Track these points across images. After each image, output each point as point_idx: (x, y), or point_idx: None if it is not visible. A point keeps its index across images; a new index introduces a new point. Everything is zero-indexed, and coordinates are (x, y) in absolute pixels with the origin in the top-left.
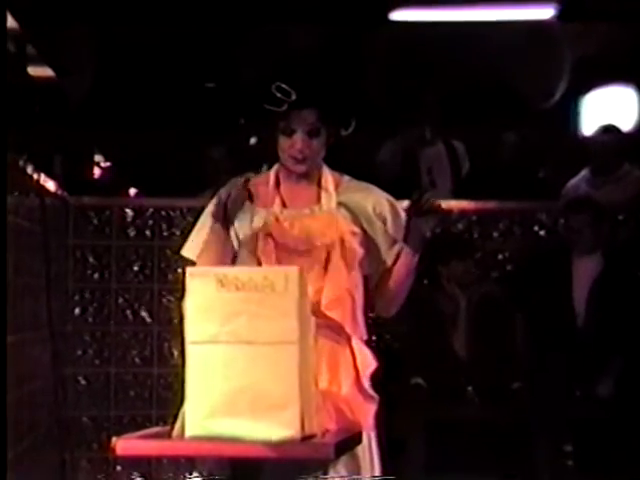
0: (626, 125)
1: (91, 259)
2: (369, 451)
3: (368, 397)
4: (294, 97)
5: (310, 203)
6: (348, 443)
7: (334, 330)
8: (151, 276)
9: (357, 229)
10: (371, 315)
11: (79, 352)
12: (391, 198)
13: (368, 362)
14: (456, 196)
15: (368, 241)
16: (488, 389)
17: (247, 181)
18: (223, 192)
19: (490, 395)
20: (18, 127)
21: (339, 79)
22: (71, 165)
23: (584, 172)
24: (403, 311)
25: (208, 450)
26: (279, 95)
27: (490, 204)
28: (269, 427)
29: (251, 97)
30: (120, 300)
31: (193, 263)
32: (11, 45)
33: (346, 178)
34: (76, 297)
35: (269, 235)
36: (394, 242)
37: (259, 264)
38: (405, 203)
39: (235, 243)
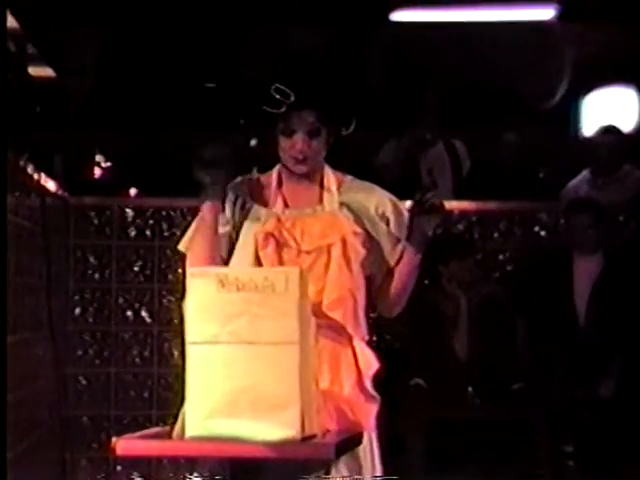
0: (626, 126)
1: (92, 259)
2: (370, 451)
3: (370, 398)
4: (293, 98)
5: (312, 203)
6: (349, 443)
7: (336, 330)
8: (151, 276)
9: (359, 229)
10: (372, 315)
11: (79, 352)
12: (394, 198)
13: (370, 363)
14: (457, 196)
15: (370, 241)
16: (488, 389)
17: (249, 181)
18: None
19: (490, 395)
20: (19, 127)
21: (339, 79)
22: (72, 165)
23: (584, 173)
24: (404, 311)
25: (208, 450)
26: (278, 96)
27: (491, 204)
28: (269, 427)
29: (251, 98)
30: (120, 300)
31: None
32: (12, 45)
33: (348, 178)
34: (76, 297)
35: (270, 235)
36: (397, 242)
37: (260, 264)
38: (407, 203)
39: (236, 243)
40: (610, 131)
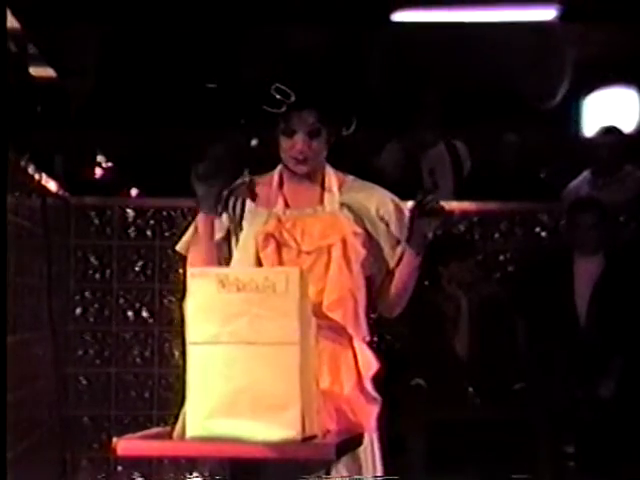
0: (627, 126)
1: (92, 259)
2: (371, 452)
3: (370, 398)
4: (293, 98)
5: (313, 203)
6: (349, 444)
7: (336, 331)
8: (152, 276)
9: (360, 230)
10: (373, 316)
11: (80, 352)
12: (396, 198)
13: (370, 363)
14: (458, 197)
15: (371, 242)
16: (489, 390)
17: (250, 182)
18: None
19: (491, 396)
20: (20, 127)
21: (339, 80)
22: (72, 165)
23: (585, 173)
24: (404, 312)
25: (209, 451)
26: (278, 96)
27: (491, 205)
28: (270, 428)
29: (251, 98)
30: (121, 300)
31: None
32: (13, 45)
33: (350, 178)
34: (77, 297)
35: (271, 236)
36: (397, 243)
37: (260, 265)
38: (409, 204)
39: (236, 244)
40: (611, 131)
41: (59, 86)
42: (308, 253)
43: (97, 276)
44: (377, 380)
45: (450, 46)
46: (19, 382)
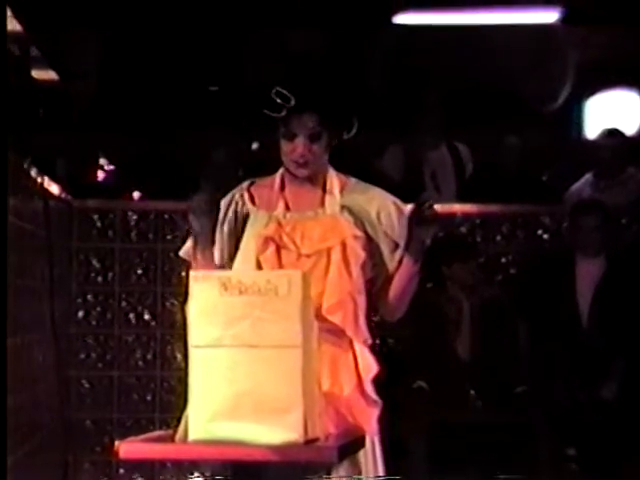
0: (630, 129)
1: (94, 262)
2: (372, 455)
3: (371, 401)
4: (293, 102)
5: (314, 206)
6: (351, 447)
7: (336, 334)
8: (154, 279)
9: (360, 233)
10: (374, 319)
11: (82, 355)
12: (397, 201)
13: (370, 367)
14: (460, 199)
15: (371, 245)
16: (491, 392)
17: (251, 184)
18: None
19: (493, 398)
20: (22, 130)
21: (340, 83)
22: (75, 168)
23: (587, 176)
24: (406, 314)
25: (211, 454)
26: (279, 100)
27: (493, 207)
28: (272, 430)
29: (252, 102)
30: (123, 303)
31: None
32: (15, 48)
33: (352, 180)
34: (79, 300)
35: (270, 239)
36: (396, 247)
37: (260, 268)
38: (409, 207)
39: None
40: (613, 134)
41: (61, 89)
42: (308, 256)
43: (99, 279)
44: (379, 383)
45: (452, 49)
46: (21, 385)
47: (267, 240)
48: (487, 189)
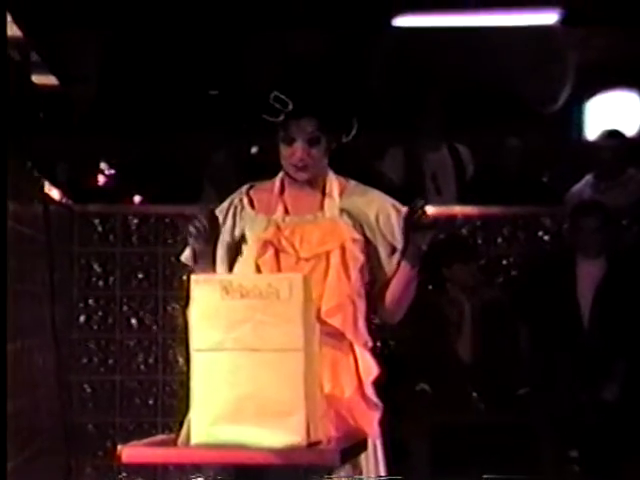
0: (630, 130)
1: (96, 266)
2: (374, 457)
3: (371, 404)
4: (291, 107)
5: (313, 210)
6: (353, 449)
7: (335, 337)
8: (155, 283)
9: (358, 236)
10: (376, 321)
11: (84, 359)
12: (397, 204)
13: (370, 369)
14: (460, 201)
15: (369, 248)
16: (493, 394)
17: (251, 188)
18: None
19: (495, 400)
20: (23, 135)
21: (338, 86)
22: (75, 172)
23: (588, 177)
24: (407, 316)
25: (214, 457)
26: (277, 105)
27: (494, 209)
28: (274, 434)
29: (252, 106)
30: (125, 307)
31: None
32: (15, 53)
33: (352, 183)
34: (81, 304)
35: (269, 242)
36: (393, 251)
37: (258, 271)
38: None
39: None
40: (613, 135)
41: (62, 94)
42: (306, 260)
43: (100, 283)
44: (380, 385)
45: (452, 50)
46: (22, 390)
47: (266, 244)
48: (488, 191)
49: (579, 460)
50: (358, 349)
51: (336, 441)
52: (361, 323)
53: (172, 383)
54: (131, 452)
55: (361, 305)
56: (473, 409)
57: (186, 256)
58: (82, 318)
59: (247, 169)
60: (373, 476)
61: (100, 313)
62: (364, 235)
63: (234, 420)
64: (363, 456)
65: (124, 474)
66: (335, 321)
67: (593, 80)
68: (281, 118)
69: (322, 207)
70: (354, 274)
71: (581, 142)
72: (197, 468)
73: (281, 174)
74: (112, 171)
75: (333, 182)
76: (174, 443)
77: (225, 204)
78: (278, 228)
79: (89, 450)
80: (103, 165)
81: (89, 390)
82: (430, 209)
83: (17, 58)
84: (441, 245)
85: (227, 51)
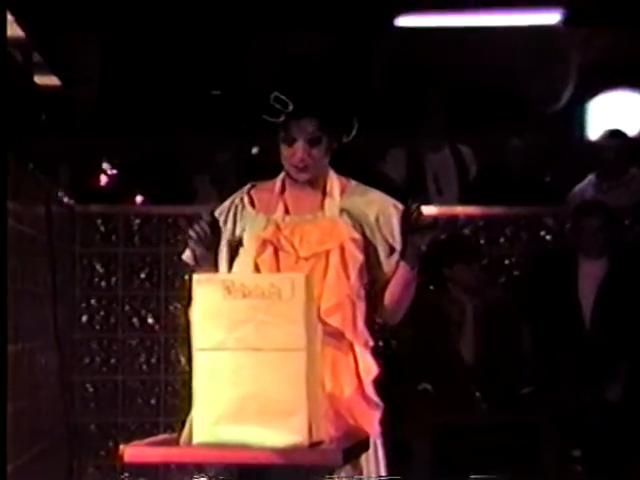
0: (632, 130)
1: (98, 267)
2: (374, 457)
3: (372, 404)
4: (291, 107)
5: (313, 209)
6: (356, 449)
7: (335, 336)
8: (158, 283)
9: (358, 235)
10: (378, 321)
11: (86, 359)
12: (398, 204)
13: (369, 369)
14: (463, 201)
15: (369, 248)
16: (496, 394)
17: (252, 187)
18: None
19: (498, 400)
20: (25, 135)
21: (338, 86)
22: (78, 173)
23: (590, 177)
24: (409, 316)
25: (216, 457)
26: (277, 106)
27: (497, 209)
28: (277, 433)
29: (253, 106)
30: (127, 307)
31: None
32: (18, 54)
33: (353, 183)
34: (83, 305)
35: (268, 241)
36: (392, 251)
37: (257, 270)
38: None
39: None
40: (616, 135)
41: (64, 94)
42: (306, 259)
43: (103, 284)
44: (383, 385)
45: (454, 50)
46: (24, 390)
47: (265, 243)
48: (490, 191)
49: (582, 460)
50: (358, 348)
51: (338, 441)
52: (360, 322)
53: (174, 383)
54: (133, 452)
55: (361, 305)
56: (476, 409)
57: (187, 255)
58: (84, 318)
59: (248, 169)
60: (374, 476)
61: (102, 313)
62: (364, 235)
63: (236, 420)
64: (364, 456)
65: (126, 474)
66: (334, 320)
67: (595, 80)
68: (281, 119)
69: (322, 207)
70: (353, 274)
71: (583, 142)
72: (199, 468)
73: (282, 174)
74: (114, 171)
75: (334, 182)
76: (176, 443)
77: (226, 203)
78: (278, 227)
79: (91, 450)
80: (105, 165)
81: (91, 390)
82: (432, 209)
83: (19, 59)
84: (443, 245)
85: (228, 52)
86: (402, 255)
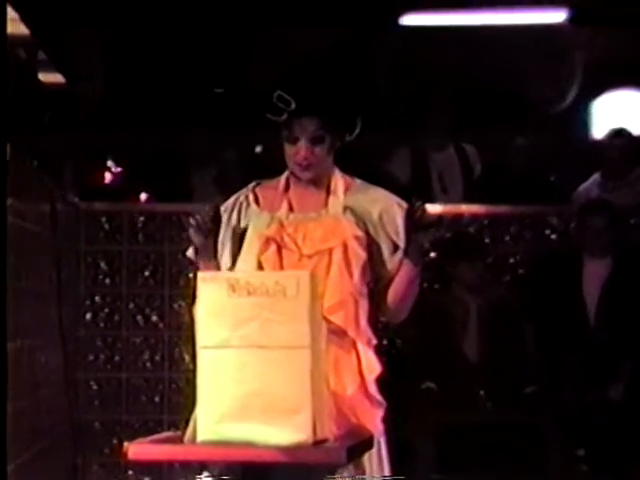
0: (637, 129)
1: (102, 264)
2: (377, 456)
3: (375, 402)
4: (294, 106)
5: (317, 207)
6: (360, 448)
7: (337, 334)
8: (162, 281)
9: (361, 233)
10: (382, 319)
11: (91, 357)
12: (402, 202)
13: (372, 367)
14: (467, 200)
15: (373, 246)
16: (500, 393)
17: (257, 185)
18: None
19: (502, 399)
20: (29, 133)
21: (341, 85)
22: (82, 171)
23: (595, 176)
24: (414, 315)
25: (220, 455)
26: (280, 104)
27: (501, 208)
28: (281, 431)
29: (256, 104)
30: (131, 305)
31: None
32: (22, 52)
33: (358, 181)
34: (87, 302)
35: (272, 239)
36: (395, 249)
37: (260, 268)
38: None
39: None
40: (621, 134)
41: (68, 92)
42: (309, 257)
43: (107, 281)
44: (387, 384)
45: (458, 49)
46: (28, 388)
47: (268, 240)
48: (495, 190)
49: (586, 459)
50: (361, 346)
51: (343, 439)
52: (363, 321)
53: (178, 381)
54: (137, 449)
55: (363, 303)
56: (480, 408)
57: (191, 252)
58: (88, 316)
59: (252, 168)
60: (377, 476)
61: (106, 311)
62: (367, 233)
63: (240, 418)
64: (366, 455)
65: (130, 472)
66: (337, 318)
67: (600, 79)
68: (284, 117)
69: (326, 205)
70: (356, 271)
71: (588, 141)
72: (203, 465)
73: (287, 172)
74: (118, 169)
75: (338, 180)
76: (180, 440)
77: (231, 201)
78: (281, 225)
79: (95, 447)
80: (110, 163)
81: (95, 387)
82: (437, 208)
83: (24, 57)
84: (447, 244)
85: (232, 50)
86: (406, 253)
